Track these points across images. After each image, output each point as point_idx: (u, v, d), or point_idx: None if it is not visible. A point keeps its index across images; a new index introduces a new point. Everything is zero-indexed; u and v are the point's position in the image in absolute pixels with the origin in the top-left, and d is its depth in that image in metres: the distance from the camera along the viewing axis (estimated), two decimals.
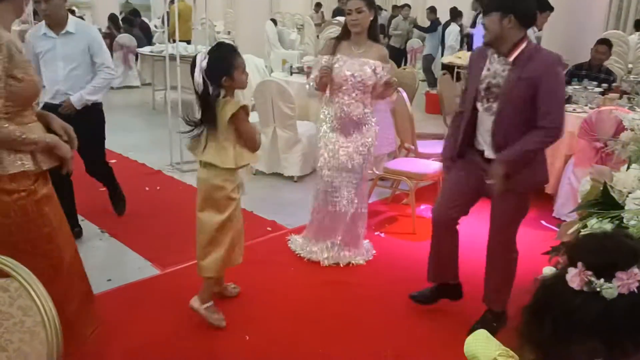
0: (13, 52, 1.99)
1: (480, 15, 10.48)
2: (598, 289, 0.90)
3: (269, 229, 4.21)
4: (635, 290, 0.89)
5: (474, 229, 3.23)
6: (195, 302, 2.91)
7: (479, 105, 2.74)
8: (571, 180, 4.43)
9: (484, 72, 2.70)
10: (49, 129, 2.25)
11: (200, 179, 2.82)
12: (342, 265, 3.67)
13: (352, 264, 3.70)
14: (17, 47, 2.02)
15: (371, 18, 3.42)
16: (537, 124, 2.59)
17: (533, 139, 2.61)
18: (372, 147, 3.60)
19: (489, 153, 2.76)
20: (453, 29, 10.96)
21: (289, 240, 3.98)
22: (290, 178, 5.32)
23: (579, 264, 0.92)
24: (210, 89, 2.64)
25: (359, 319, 3.09)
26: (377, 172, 4.43)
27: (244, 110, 2.71)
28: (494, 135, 2.69)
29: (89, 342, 2.48)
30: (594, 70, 5.65)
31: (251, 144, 2.76)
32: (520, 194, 2.76)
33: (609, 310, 0.89)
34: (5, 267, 1.41)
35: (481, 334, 1.18)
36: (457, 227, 2.99)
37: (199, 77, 2.61)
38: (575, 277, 0.91)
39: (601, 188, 1.89)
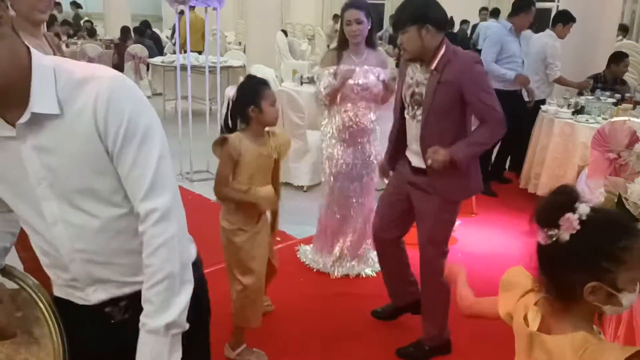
0: None
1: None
2: (554, 238, 1.13)
3: (278, 239, 4.18)
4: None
5: (481, 241, 3.20)
6: (227, 351, 2.76)
7: (405, 113, 2.71)
8: (584, 192, 4.37)
9: (408, 81, 2.66)
10: None
11: None
12: (351, 277, 3.64)
13: (362, 275, 3.67)
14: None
15: (369, 27, 3.40)
16: (480, 121, 2.57)
17: (480, 132, 2.57)
18: (377, 156, 3.59)
19: (416, 162, 2.70)
20: None
21: (298, 250, 3.97)
22: (300, 188, 5.30)
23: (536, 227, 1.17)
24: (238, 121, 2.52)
25: (368, 330, 3.06)
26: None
27: (225, 143, 2.44)
28: (422, 142, 2.62)
29: None
30: (610, 83, 5.63)
31: (216, 185, 2.52)
32: (449, 204, 2.68)
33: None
34: (14, 278, 1.40)
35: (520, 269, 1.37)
36: (401, 245, 2.95)
37: (226, 108, 2.51)
38: (539, 236, 1.16)
39: (615, 200, 1.87)
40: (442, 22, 2.54)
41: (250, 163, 2.50)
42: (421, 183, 2.68)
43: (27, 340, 1.37)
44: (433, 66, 2.51)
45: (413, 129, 2.67)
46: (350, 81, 3.40)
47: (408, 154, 2.77)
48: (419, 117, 2.60)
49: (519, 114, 5.53)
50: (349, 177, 3.57)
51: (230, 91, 2.50)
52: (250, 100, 2.45)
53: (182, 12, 5.39)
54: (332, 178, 3.62)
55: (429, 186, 2.65)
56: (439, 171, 2.54)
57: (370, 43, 3.48)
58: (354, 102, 3.46)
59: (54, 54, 2.25)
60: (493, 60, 5.21)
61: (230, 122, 2.51)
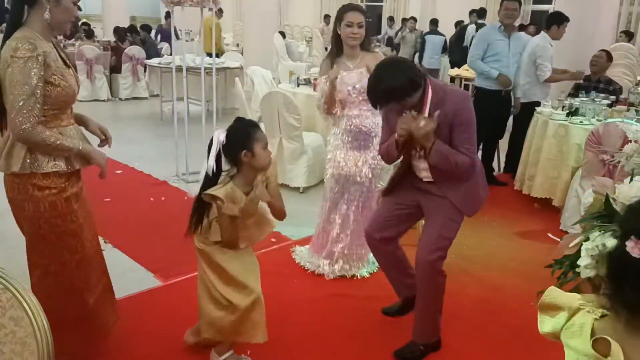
0: (49, 61, 2.16)
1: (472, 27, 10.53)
2: None
3: (273, 240, 4.18)
4: None
5: (476, 242, 3.20)
6: (213, 356, 2.67)
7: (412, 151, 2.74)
8: (578, 193, 4.38)
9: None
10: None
11: None
12: (347, 278, 3.64)
13: (357, 276, 3.67)
14: (54, 56, 2.20)
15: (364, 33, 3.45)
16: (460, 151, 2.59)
17: (458, 156, 2.58)
18: (381, 161, 3.58)
19: (426, 176, 2.76)
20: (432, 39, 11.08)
21: (294, 252, 3.96)
22: (296, 189, 5.31)
23: (632, 237, 1.07)
24: (227, 165, 2.37)
25: (364, 332, 3.05)
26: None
27: (229, 200, 2.30)
28: (432, 171, 2.69)
29: (112, 331, 2.67)
30: (594, 81, 5.65)
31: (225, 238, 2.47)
32: (452, 207, 2.70)
33: None
34: None
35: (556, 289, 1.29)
36: (395, 243, 2.93)
37: (213, 153, 2.32)
38: (634, 249, 1.07)
39: (604, 200, 1.87)
40: (416, 78, 2.49)
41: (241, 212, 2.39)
42: (433, 190, 2.74)
43: (11, 339, 1.38)
44: (426, 113, 2.56)
45: (421, 163, 2.73)
46: (348, 84, 3.41)
47: (416, 171, 2.79)
48: (421, 153, 2.67)
49: (502, 114, 5.57)
50: (350, 181, 3.57)
51: (220, 135, 2.33)
52: (243, 145, 2.31)
53: (168, 14, 5.39)
54: (333, 180, 3.62)
55: (439, 191, 2.72)
56: (447, 182, 2.67)
57: (364, 47, 3.50)
58: (354, 105, 3.48)
59: (59, 56, 2.29)
60: (479, 57, 5.36)
61: (215, 168, 2.34)
